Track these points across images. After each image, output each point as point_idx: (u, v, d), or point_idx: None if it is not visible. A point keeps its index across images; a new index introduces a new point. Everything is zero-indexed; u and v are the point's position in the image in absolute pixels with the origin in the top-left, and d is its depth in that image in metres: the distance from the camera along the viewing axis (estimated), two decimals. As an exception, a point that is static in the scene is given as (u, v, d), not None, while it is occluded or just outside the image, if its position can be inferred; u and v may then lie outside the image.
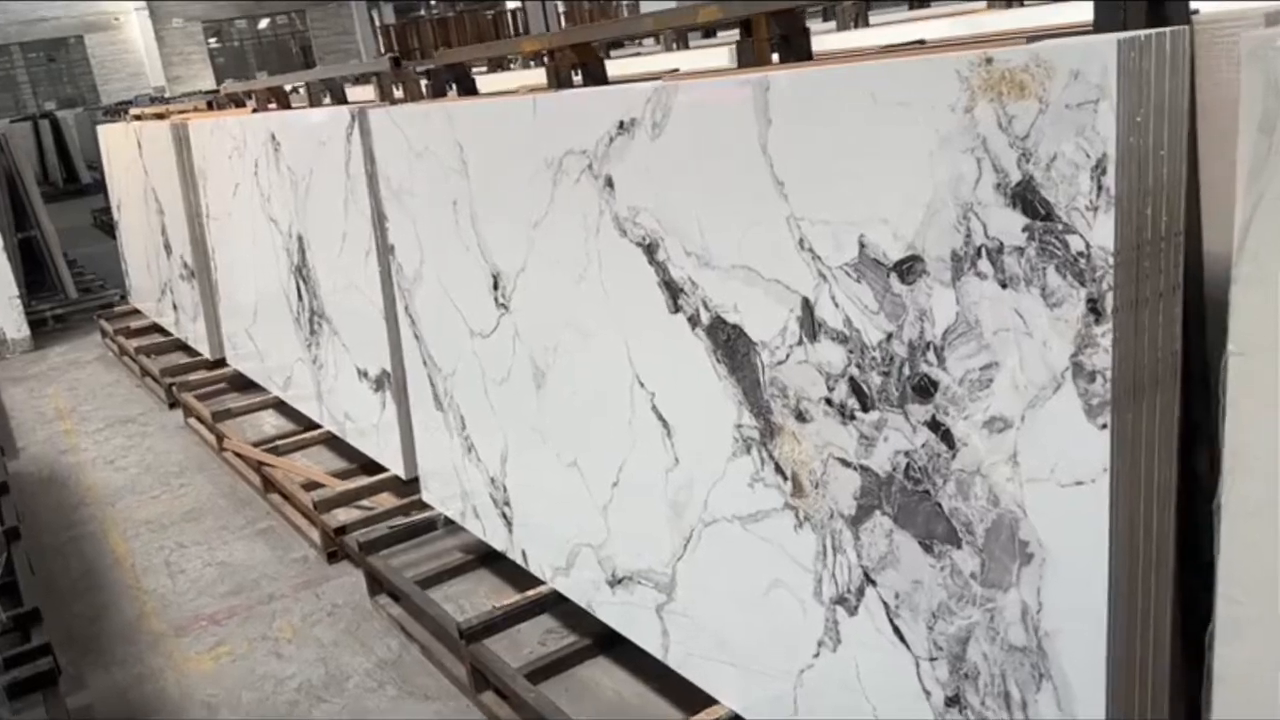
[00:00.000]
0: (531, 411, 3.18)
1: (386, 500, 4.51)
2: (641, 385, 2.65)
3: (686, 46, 7.41)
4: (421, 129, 3.48)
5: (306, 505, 4.46)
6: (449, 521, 4.03)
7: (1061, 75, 1.55)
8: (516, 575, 3.65)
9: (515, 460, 3.38)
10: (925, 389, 1.87)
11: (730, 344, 2.31)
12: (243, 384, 6.61)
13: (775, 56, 2.44)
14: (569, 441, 3.04)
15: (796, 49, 2.37)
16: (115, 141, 8.27)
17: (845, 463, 2.07)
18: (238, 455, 5.41)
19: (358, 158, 4.05)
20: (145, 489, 5.52)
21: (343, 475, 5.06)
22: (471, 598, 3.86)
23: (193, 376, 6.89)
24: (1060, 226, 1.59)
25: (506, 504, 3.48)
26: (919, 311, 1.85)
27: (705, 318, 2.37)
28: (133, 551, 4.78)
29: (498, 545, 3.61)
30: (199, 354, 7.26)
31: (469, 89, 3.80)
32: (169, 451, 6.04)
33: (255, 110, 5.53)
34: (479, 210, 3.24)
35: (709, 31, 8.14)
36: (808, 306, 2.08)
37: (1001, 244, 1.68)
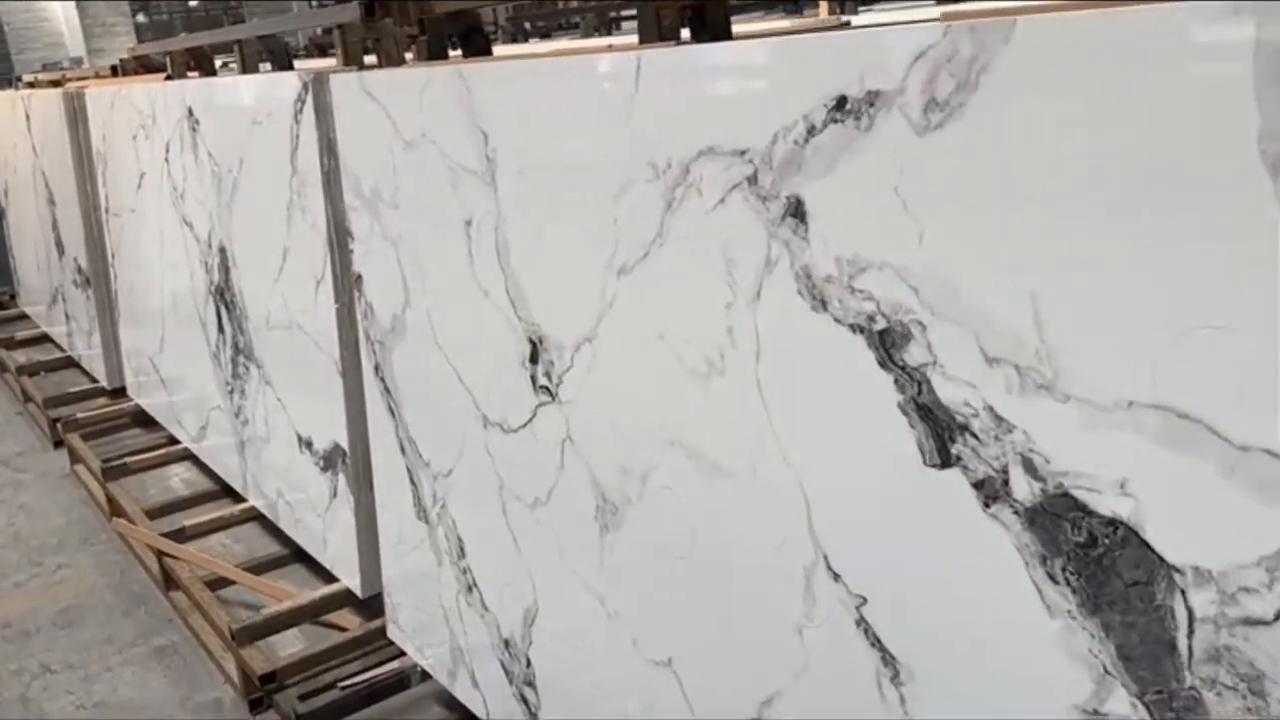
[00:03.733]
0: (590, 562, 1.99)
1: (338, 619, 3.27)
2: (835, 577, 1.47)
3: (616, 29, 6.17)
4: (416, 106, 2.26)
5: (220, 623, 3.20)
6: (427, 675, 2.80)
7: None
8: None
9: (551, 625, 2.18)
10: None
11: (1096, 555, 1.14)
12: (147, 419, 5.29)
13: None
14: (660, 627, 1.85)
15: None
16: (1, 113, 6.85)
17: None
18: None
19: (310, 145, 2.81)
20: (9, 570, 4.18)
21: (273, 567, 3.80)
22: (463, 792, 2.65)
23: (85, 408, 5.53)
24: None
25: (528, 684, 2.28)
26: None
27: (1025, 490, 1.19)
28: (-22, 675, 3.47)
29: (512, 738, 2.40)
30: (96, 378, 5.90)
31: (481, 51, 2.58)
32: (47, 512, 4.69)
33: (170, 78, 4.23)
34: (513, 237, 2.03)
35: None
36: (1379, 526, 0.92)
37: None
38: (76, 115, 5.12)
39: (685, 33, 1.93)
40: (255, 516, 3.97)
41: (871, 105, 1.28)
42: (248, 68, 3.56)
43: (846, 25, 2.02)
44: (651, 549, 1.82)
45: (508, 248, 2.05)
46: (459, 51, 2.68)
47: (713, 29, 1.85)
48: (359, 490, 3.00)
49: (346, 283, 2.83)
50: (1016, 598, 1.22)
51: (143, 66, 4.92)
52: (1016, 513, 1.21)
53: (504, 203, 2.03)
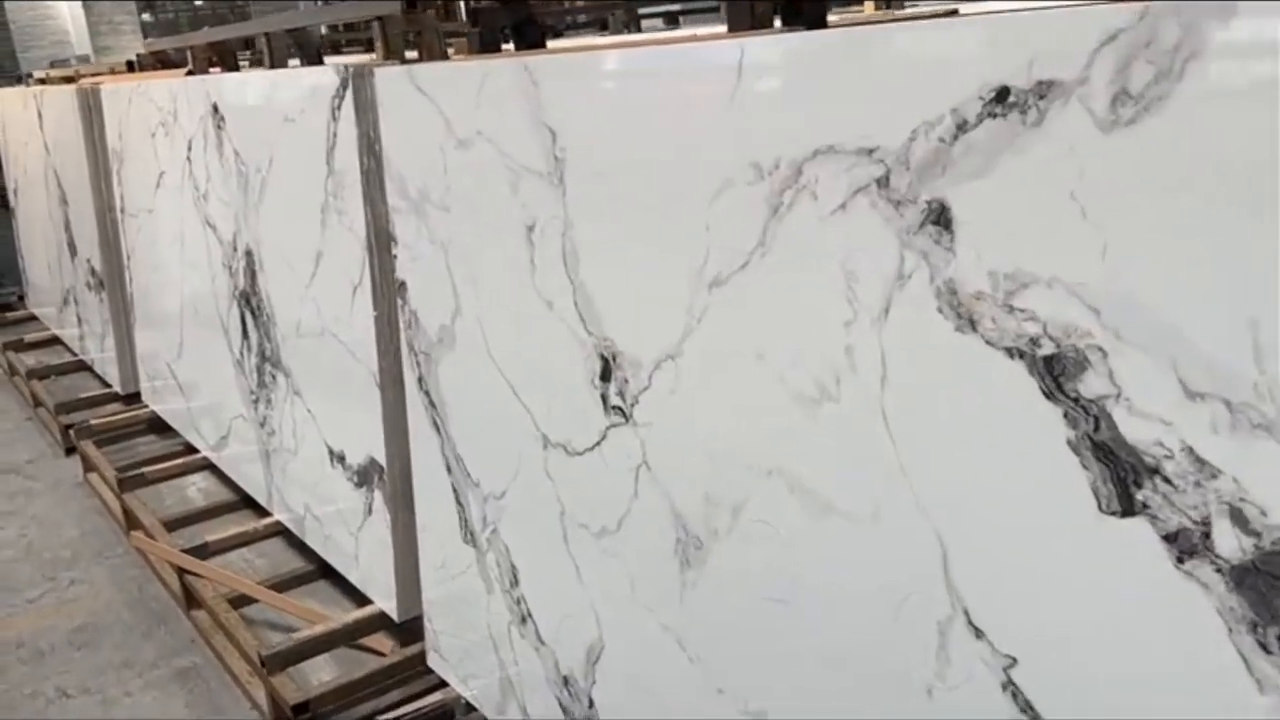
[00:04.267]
0: (668, 599, 1.82)
1: (372, 643, 3.10)
2: (977, 633, 1.30)
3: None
4: (473, 101, 2.09)
5: (248, 647, 3.04)
6: (472, 707, 2.63)
7: None
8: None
9: (620, 664, 2.01)
10: None
11: (1328, 625, 0.97)
12: (161, 425, 5.14)
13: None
14: (753, 675, 1.68)
15: None
16: (11, 110, 6.69)
17: None
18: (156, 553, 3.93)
19: (348, 144, 2.65)
20: (22, 585, 4.02)
21: (298, 584, 3.64)
22: (510, 834, 2.48)
23: (97, 414, 5.37)
24: None
25: (593, 724, 2.11)
26: None
27: (1232, 545, 1.03)
28: (-10, 698, 3.31)
29: (571, 781, 2.24)
30: (109, 383, 5.75)
31: (535, 44, 2.42)
32: (60, 524, 4.53)
33: (191, 73, 4.07)
34: (583, 244, 1.87)
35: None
36: None
37: None
38: (91, 112, 4.96)
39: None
40: (280, 531, 3.80)
41: (1042, 97, 1.11)
42: (276, 62, 3.40)
43: (954, 13, 1.85)
44: (743, 589, 1.66)
45: (576, 256, 1.89)
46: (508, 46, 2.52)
47: (808, 19, 1.69)
48: (397, 508, 2.84)
49: (387, 290, 2.67)
50: (1215, 667, 1.05)
51: (160, 62, 4.76)
52: (1220, 571, 1.04)
53: (573, 206, 1.87)
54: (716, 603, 1.72)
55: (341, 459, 3.10)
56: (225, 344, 3.81)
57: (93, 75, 5.48)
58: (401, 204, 2.43)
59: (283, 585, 3.63)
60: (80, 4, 31.19)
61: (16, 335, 6.99)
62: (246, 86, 3.31)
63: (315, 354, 3.11)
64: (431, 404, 2.49)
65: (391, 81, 2.38)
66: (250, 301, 3.52)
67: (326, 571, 3.66)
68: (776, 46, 1.44)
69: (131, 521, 4.22)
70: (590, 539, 2.00)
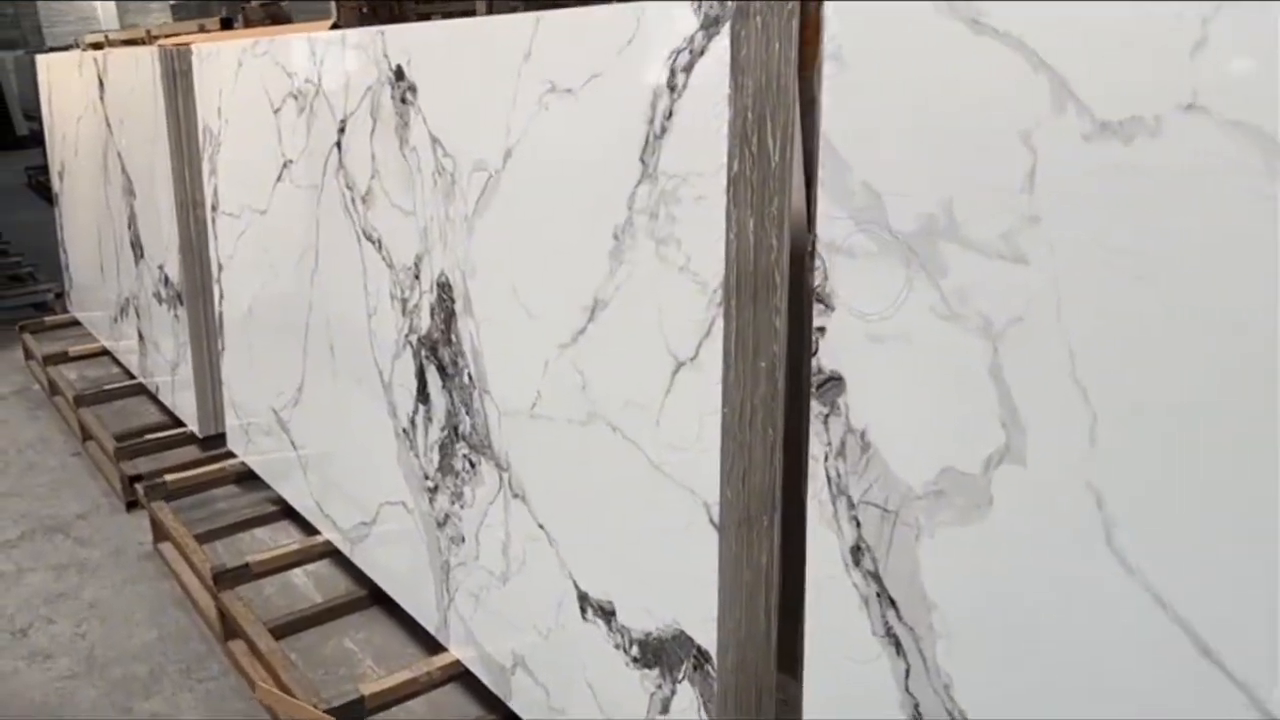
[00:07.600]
0: None
1: None
2: None
3: None
4: (1185, 40, 0.99)
5: None
6: None
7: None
8: None
9: None
10: None
11: None
12: (253, 477, 4.07)
13: None
14: None
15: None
16: (62, 79, 5.60)
17: None
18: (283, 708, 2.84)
19: (705, 128, 1.55)
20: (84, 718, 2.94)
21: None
22: None
23: (169, 460, 4.31)
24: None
25: None
26: None
27: None
28: None
29: None
30: (177, 416, 4.68)
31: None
32: (129, 618, 3.44)
33: (337, 27, 2.97)
34: None
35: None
36: None
37: None
38: (177, 79, 3.87)
39: None
40: (459, 674, 2.70)
41: None
42: (494, 8, 2.29)
43: None
44: None
45: None
46: None
47: None
48: (732, 722, 1.75)
49: (746, 373, 1.58)
50: None
51: (270, 18, 3.66)
52: None
53: None
54: None
55: (606, 614, 2.01)
56: (384, 403, 2.72)
57: (171, 35, 4.37)
58: (867, 244, 1.33)
59: (455, 749, 2.56)
60: (111, -21, 30.10)
61: (58, 345, 5.91)
62: (469, 37, 2.20)
63: (567, 447, 2.02)
64: (890, 603, 1.39)
65: (885, 15, 1.27)
66: (439, 353, 2.43)
67: (515, 727, 2.58)
68: None
69: (228, 626, 3.15)
70: None
